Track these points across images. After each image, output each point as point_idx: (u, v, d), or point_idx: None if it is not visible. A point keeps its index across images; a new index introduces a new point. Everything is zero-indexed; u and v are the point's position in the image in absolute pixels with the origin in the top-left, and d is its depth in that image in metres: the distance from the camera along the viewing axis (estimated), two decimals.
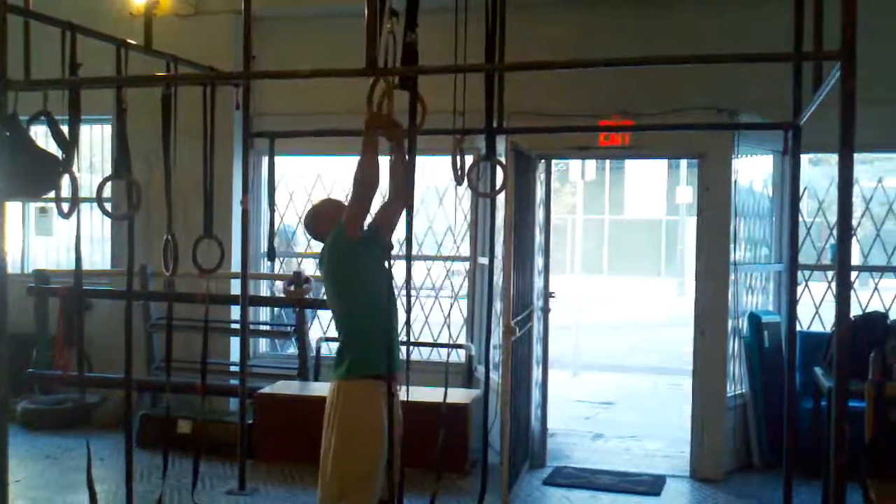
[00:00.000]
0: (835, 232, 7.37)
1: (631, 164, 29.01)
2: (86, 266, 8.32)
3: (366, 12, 3.76)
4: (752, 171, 7.29)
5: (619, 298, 22.55)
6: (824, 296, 7.07)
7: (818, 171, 15.80)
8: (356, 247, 4.04)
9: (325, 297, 8.01)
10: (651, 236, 31.14)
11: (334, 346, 7.81)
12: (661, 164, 27.01)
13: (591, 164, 12.35)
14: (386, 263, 4.09)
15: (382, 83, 3.96)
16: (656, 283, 27.00)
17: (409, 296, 4.09)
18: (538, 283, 6.96)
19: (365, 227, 4.12)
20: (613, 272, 29.67)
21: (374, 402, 3.94)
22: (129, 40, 5.35)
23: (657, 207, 30.66)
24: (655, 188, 30.26)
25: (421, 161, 4.13)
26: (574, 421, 8.49)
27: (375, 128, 3.93)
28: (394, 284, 4.20)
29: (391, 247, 4.15)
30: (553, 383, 7.34)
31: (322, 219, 4.31)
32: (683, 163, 24.18)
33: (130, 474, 4.98)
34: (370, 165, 3.91)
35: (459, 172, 5.08)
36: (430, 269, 8.16)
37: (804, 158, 6.21)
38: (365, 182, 3.93)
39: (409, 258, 4.00)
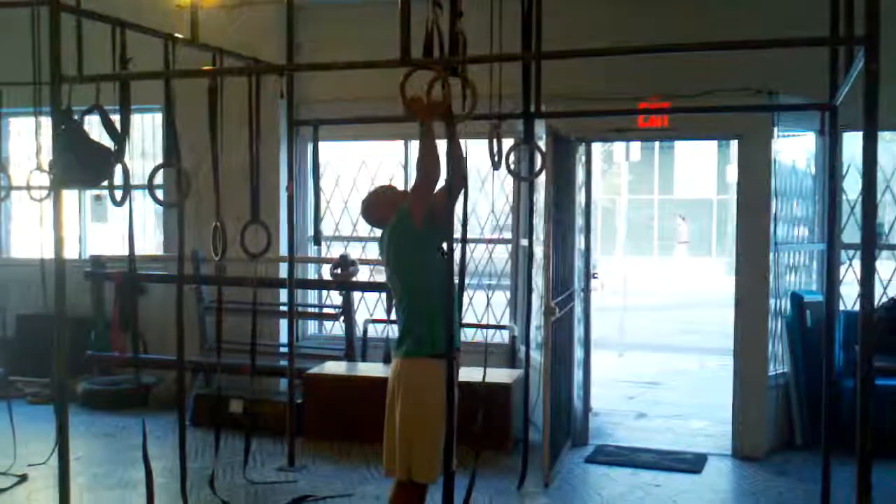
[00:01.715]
0: (880, 210, 7.40)
1: (680, 144, 28.80)
2: (140, 251, 8.67)
3: (399, 2, 3.87)
4: (795, 150, 7.28)
5: (668, 278, 22.47)
6: None
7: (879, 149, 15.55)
8: (419, 231, 4.21)
9: (371, 280, 8.27)
10: (702, 216, 30.90)
11: (380, 327, 8.08)
12: (711, 144, 26.72)
13: (635, 145, 12.25)
14: (445, 246, 4.24)
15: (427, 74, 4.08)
16: (707, 263, 26.80)
17: (462, 278, 4.25)
18: (579, 264, 7.04)
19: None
20: (663, 252, 29.56)
21: (435, 379, 4.12)
22: (177, 34, 5.52)
23: (707, 187, 30.40)
24: (706, 167, 30.00)
25: (461, 144, 4.26)
26: (618, 400, 8.56)
27: (431, 118, 4.06)
28: (453, 266, 4.33)
29: (451, 230, 4.28)
30: (599, 364, 7.41)
31: (381, 205, 4.47)
32: (734, 141, 23.93)
33: (184, 451, 5.17)
34: (431, 153, 4.08)
35: (496, 157, 5.20)
36: (472, 252, 8.27)
37: (853, 136, 6.17)
38: (427, 169, 4.10)
39: (464, 241, 4.15)
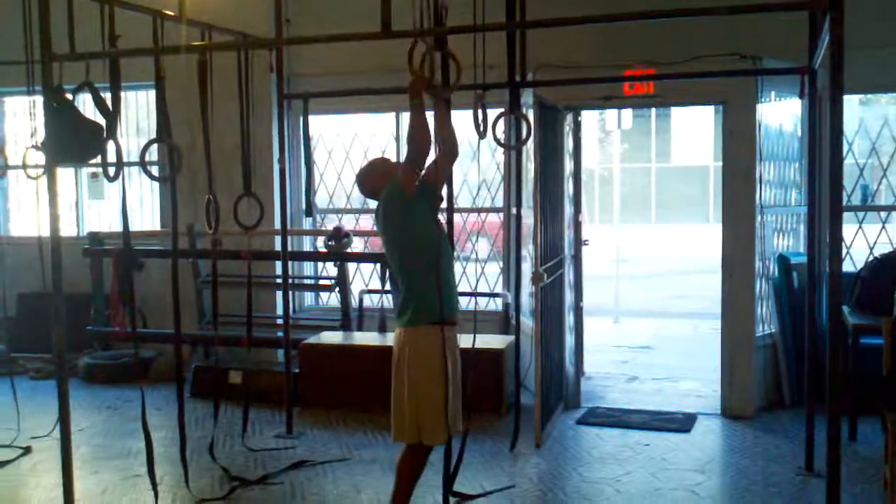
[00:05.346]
0: (864, 173, 7.49)
1: (677, 112, 28.78)
2: (138, 227, 8.77)
3: None
4: (782, 114, 7.34)
5: (666, 245, 22.55)
6: (855, 236, 7.16)
7: (868, 112, 15.85)
8: (412, 202, 4.29)
9: (365, 251, 8.39)
10: (699, 183, 30.94)
11: (375, 297, 8.20)
12: (708, 110, 26.66)
13: (626, 113, 12.25)
14: (437, 215, 4.35)
15: (421, 47, 4.19)
16: (705, 230, 26.84)
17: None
18: (568, 231, 7.14)
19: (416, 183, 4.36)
20: (661, 220, 29.63)
21: (437, 346, 4.25)
22: (166, 10, 5.57)
23: (705, 154, 30.39)
24: (702, 134, 29.98)
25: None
26: (611, 365, 8.68)
27: (421, 91, 4.16)
28: (446, 235, 4.44)
29: (441, 199, 4.38)
30: (594, 330, 7.46)
31: (375, 176, 4.55)
32: None
33: (183, 419, 5.31)
34: (420, 126, 4.18)
35: (482, 126, 5.29)
36: (465, 221, 8.38)
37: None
38: (417, 141, 4.20)
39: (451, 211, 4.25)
